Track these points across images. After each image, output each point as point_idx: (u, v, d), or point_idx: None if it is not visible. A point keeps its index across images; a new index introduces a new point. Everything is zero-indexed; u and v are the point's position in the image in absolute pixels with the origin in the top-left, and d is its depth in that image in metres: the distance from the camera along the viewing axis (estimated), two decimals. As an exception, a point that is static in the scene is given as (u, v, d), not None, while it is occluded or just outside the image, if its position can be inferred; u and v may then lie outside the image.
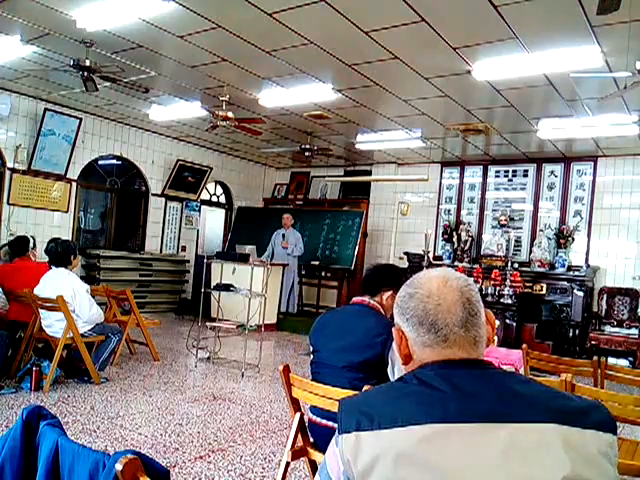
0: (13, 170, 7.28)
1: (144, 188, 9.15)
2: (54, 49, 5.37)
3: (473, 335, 0.99)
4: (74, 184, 8.01)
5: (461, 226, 8.64)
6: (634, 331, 7.15)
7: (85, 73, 5.15)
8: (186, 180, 9.38)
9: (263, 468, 3.11)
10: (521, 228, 8.33)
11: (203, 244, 10.91)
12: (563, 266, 7.66)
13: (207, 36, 4.69)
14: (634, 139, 6.63)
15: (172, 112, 7.36)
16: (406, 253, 8.84)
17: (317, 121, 7.17)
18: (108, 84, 5.93)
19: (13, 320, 4.76)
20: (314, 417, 2.42)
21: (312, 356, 2.53)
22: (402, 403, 0.92)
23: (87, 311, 4.47)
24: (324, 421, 2.35)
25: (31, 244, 5.32)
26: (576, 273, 7.51)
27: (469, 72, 4.95)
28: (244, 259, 5.96)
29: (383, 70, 5.13)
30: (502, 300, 7.28)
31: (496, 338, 5.40)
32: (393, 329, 1.06)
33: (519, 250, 8.26)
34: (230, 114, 6.26)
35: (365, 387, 1.88)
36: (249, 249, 6.86)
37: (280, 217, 8.88)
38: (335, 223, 9.37)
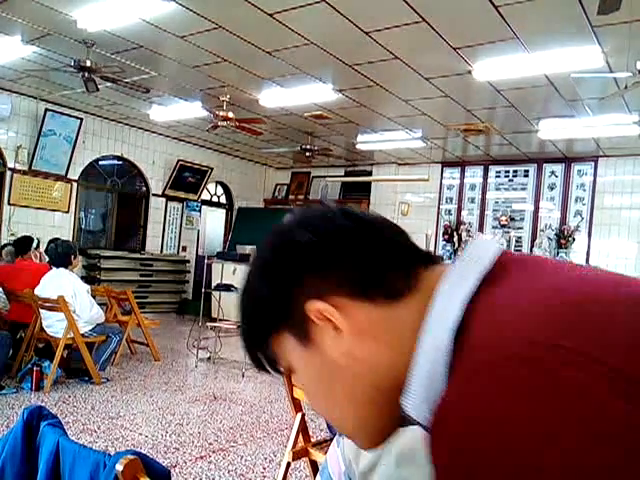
0: (14, 170, 7.28)
1: (145, 188, 9.16)
2: (55, 49, 5.38)
3: None
4: (75, 184, 8.02)
5: (462, 226, 8.64)
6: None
7: (86, 73, 5.15)
8: (187, 180, 9.38)
9: (264, 468, 3.11)
10: (522, 228, 8.32)
11: (204, 244, 10.92)
12: (564, 266, 7.65)
13: (208, 36, 4.69)
14: (635, 139, 6.62)
15: (173, 112, 7.36)
16: (407, 253, 8.83)
17: (317, 121, 7.17)
18: (109, 84, 5.93)
19: (14, 320, 4.77)
20: None
21: None
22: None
23: (88, 311, 4.47)
24: None
25: (34, 244, 5.35)
26: (577, 273, 7.51)
27: (470, 72, 4.95)
28: (245, 259, 5.96)
29: (384, 70, 5.13)
30: (503, 300, 7.27)
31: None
32: None
33: (520, 250, 8.25)
34: (231, 114, 6.26)
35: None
36: (250, 249, 6.87)
37: (281, 217, 8.81)
38: (336, 223, 9.34)
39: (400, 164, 9.48)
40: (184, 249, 9.72)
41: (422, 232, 8.55)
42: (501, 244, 7.95)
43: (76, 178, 8.02)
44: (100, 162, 8.53)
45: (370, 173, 9.82)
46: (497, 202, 8.63)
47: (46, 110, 7.32)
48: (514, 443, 0.36)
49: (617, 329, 0.39)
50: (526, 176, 8.37)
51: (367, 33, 4.34)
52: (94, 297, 4.75)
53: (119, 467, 1.05)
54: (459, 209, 8.95)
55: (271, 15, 4.17)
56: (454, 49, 4.51)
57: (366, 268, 0.52)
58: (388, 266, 0.52)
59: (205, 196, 10.19)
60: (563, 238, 7.79)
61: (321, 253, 0.53)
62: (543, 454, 0.35)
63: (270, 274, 0.56)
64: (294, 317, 0.53)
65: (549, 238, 7.92)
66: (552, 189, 8.16)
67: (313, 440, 2.44)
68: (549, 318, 0.40)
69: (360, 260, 0.52)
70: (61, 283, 4.39)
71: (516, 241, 8.04)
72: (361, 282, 0.51)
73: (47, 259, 5.18)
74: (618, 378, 0.36)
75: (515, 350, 0.39)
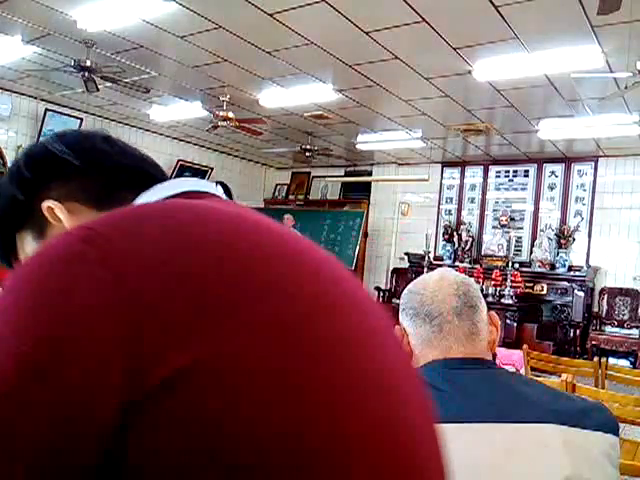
0: (14, 170, 7.28)
1: (145, 188, 9.15)
2: (55, 49, 5.38)
3: (468, 326, 0.99)
4: (75, 184, 8.02)
5: (462, 226, 8.63)
6: (635, 331, 7.14)
7: (86, 73, 5.15)
8: (187, 180, 9.37)
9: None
10: (522, 228, 8.32)
11: (204, 244, 10.90)
12: (564, 266, 7.65)
13: (208, 36, 4.69)
14: (635, 139, 6.62)
15: (173, 112, 7.36)
16: (407, 253, 8.83)
17: (318, 121, 7.17)
18: (109, 84, 5.93)
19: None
20: None
21: None
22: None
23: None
24: None
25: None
26: (577, 273, 7.51)
27: (470, 72, 4.95)
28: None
29: (384, 70, 5.13)
30: (503, 300, 7.27)
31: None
32: (396, 327, 1.06)
33: (520, 250, 8.25)
34: (231, 114, 6.26)
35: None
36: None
37: (281, 218, 8.87)
38: (335, 223, 9.36)
39: (400, 164, 9.48)
40: (184, 249, 9.70)
41: (422, 232, 8.56)
42: (502, 243, 7.96)
43: (76, 178, 8.02)
44: (100, 162, 8.53)
45: (370, 173, 9.82)
46: (497, 202, 8.62)
47: (46, 110, 7.32)
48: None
49: (147, 235, 0.44)
50: (526, 176, 8.37)
51: (367, 33, 4.34)
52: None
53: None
54: (459, 209, 8.95)
55: (271, 15, 4.17)
56: (454, 49, 4.51)
57: (101, 183, 0.63)
58: (121, 185, 0.62)
59: (205, 196, 10.17)
60: (563, 238, 7.78)
61: (68, 163, 0.62)
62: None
63: (21, 177, 0.63)
64: (36, 216, 0.61)
65: (549, 238, 7.91)
66: (552, 189, 8.16)
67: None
68: (113, 216, 0.47)
69: (99, 176, 0.63)
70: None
71: (516, 241, 8.03)
72: (96, 194, 0.62)
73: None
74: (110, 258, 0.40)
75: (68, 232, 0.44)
